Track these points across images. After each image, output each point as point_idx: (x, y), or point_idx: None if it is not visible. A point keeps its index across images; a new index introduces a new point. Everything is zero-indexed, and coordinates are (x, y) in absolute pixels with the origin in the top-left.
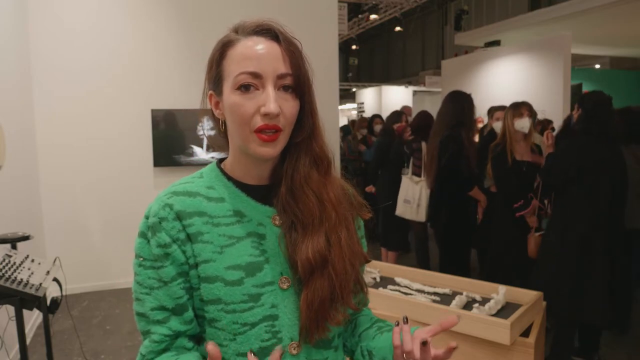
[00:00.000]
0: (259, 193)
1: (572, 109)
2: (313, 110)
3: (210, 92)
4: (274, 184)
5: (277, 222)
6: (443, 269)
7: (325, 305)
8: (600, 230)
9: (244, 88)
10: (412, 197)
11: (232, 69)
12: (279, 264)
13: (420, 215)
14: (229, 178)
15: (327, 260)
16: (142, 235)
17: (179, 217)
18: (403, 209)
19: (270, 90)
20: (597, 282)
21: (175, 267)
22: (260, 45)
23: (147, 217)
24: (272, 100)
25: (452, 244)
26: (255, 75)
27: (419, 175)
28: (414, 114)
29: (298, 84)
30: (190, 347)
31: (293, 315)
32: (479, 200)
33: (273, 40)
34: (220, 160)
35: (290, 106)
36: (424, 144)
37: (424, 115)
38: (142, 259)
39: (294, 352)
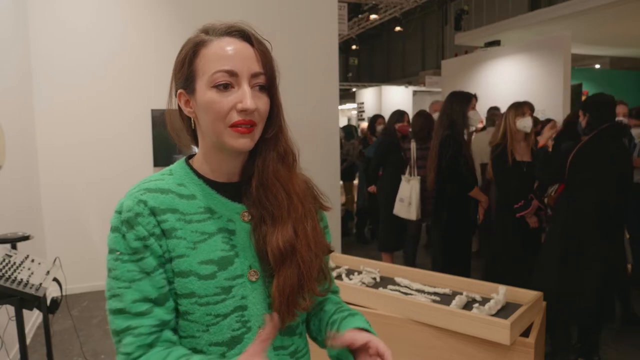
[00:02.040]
0: (229, 190)
1: (572, 108)
2: (280, 109)
3: (180, 90)
4: (243, 181)
5: (246, 219)
6: (443, 269)
7: (295, 292)
8: (602, 230)
9: (222, 86)
10: (405, 195)
11: (207, 67)
12: (248, 258)
13: (412, 214)
14: (199, 176)
15: (296, 249)
16: (116, 229)
17: (153, 213)
18: (398, 208)
19: (246, 87)
20: (593, 284)
21: (155, 258)
22: (235, 45)
23: (119, 212)
24: (248, 97)
25: (453, 244)
26: (232, 74)
27: (411, 174)
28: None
29: (270, 83)
30: (175, 340)
31: (261, 306)
32: (479, 201)
33: (245, 41)
34: (189, 157)
35: (263, 103)
36: (413, 144)
37: (425, 115)
38: (118, 252)
39: None
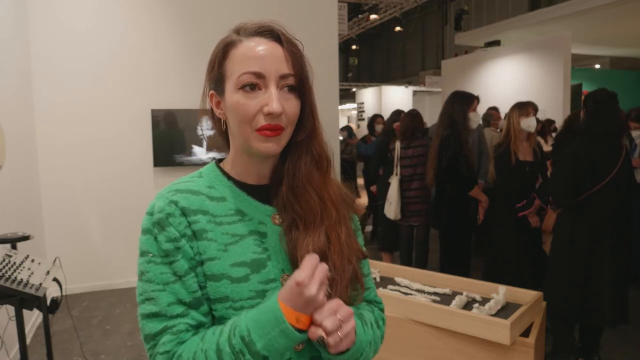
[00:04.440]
0: (259, 192)
1: (572, 108)
2: (313, 111)
3: (212, 92)
4: (274, 184)
5: (277, 221)
6: (443, 269)
7: None
8: (607, 231)
9: (248, 88)
10: (389, 195)
11: (235, 68)
12: (280, 262)
13: (390, 213)
14: (229, 177)
15: (327, 257)
16: (148, 231)
17: (184, 213)
18: (387, 208)
19: (273, 90)
20: (605, 284)
21: (187, 261)
22: (263, 46)
23: (151, 214)
24: (275, 100)
25: (452, 243)
26: (259, 75)
27: (396, 174)
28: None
29: (300, 84)
30: None
31: None
32: (480, 201)
33: (275, 41)
34: (219, 161)
35: (292, 105)
36: (397, 143)
37: (412, 114)
38: (151, 255)
39: (299, 348)
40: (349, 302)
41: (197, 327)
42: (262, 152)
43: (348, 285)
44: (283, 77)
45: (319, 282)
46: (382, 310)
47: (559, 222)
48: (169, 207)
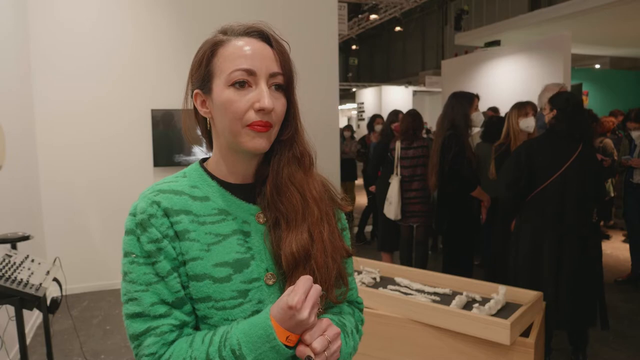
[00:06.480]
0: (243, 192)
1: None
2: (296, 109)
3: (197, 90)
4: (258, 183)
5: (261, 220)
6: (446, 270)
7: None
8: (551, 232)
9: (239, 85)
10: (389, 195)
11: (225, 66)
12: (264, 261)
13: (390, 213)
14: (213, 177)
15: (310, 255)
16: (131, 232)
17: (167, 214)
18: (387, 208)
19: (263, 86)
20: (549, 286)
21: (169, 262)
22: (253, 45)
23: (133, 215)
24: (266, 96)
25: (455, 244)
26: (250, 72)
27: (396, 174)
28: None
29: (288, 83)
30: None
31: None
32: (482, 201)
33: (263, 41)
34: (203, 160)
35: (280, 104)
36: (397, 143)
37: (413, 114)
38: (134, 255)
39: None
40: (333, 300)
41: (181, 327)
42: (251, 148)
43: (333, 285)
44: (273, 75)
45: (311, 306)
46: (361, 310)
47: (515, 225)
48: (151, 208)
